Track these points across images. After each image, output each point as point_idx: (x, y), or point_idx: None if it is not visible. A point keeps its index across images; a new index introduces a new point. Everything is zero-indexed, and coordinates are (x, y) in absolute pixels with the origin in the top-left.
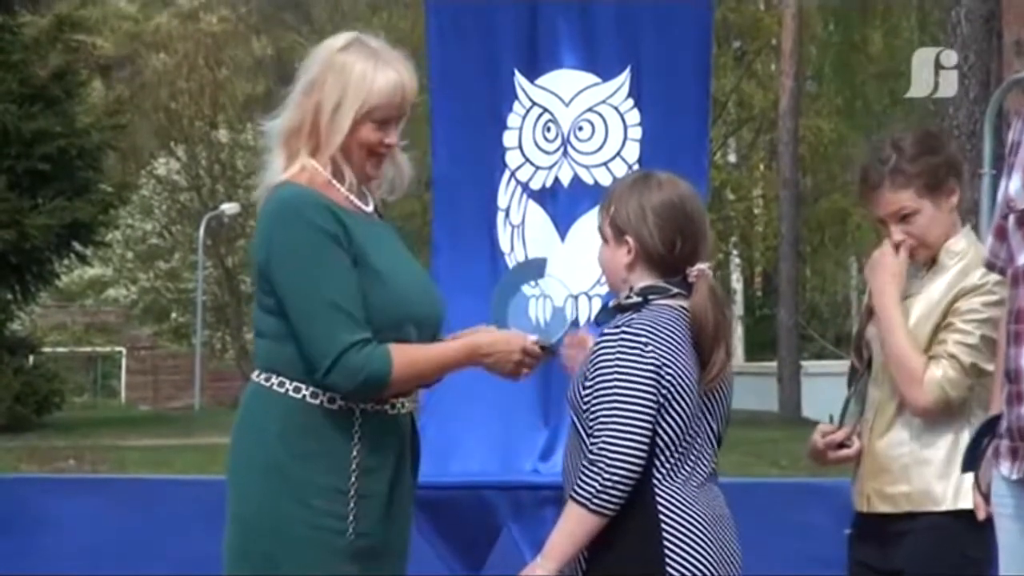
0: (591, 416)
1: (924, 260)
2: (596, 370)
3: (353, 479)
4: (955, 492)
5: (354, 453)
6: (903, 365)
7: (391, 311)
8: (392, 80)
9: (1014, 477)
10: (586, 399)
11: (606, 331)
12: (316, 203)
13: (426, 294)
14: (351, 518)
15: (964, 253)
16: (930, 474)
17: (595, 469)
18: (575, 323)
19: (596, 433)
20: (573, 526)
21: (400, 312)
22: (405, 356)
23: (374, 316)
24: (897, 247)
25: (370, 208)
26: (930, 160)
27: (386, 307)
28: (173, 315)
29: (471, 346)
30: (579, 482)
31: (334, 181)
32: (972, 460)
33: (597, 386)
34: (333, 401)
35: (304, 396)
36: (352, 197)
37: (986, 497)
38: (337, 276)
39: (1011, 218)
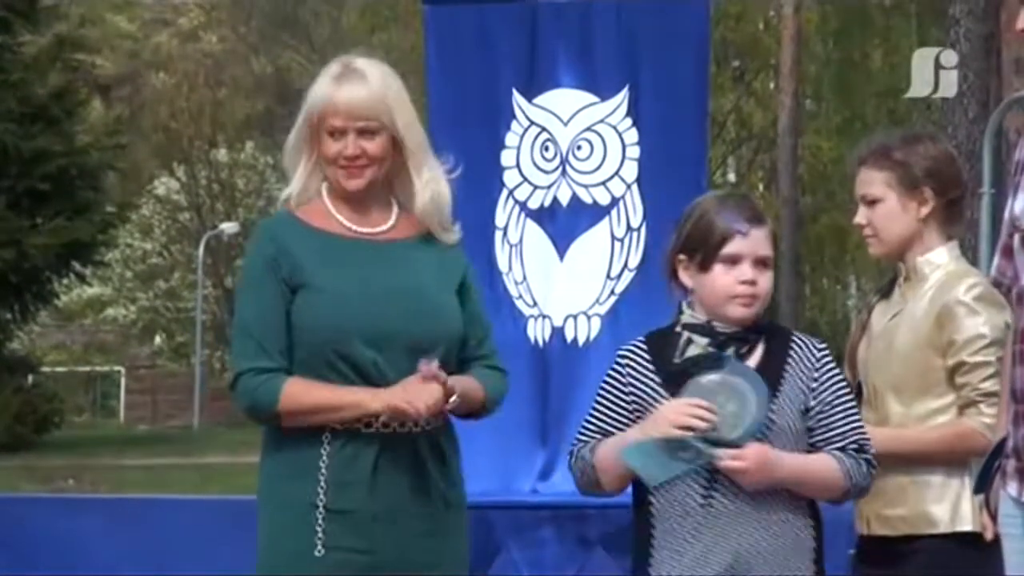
0: (846, 421)
1: (877, 254)
2: (839, 378)
3: (322, 494)
4: (952, 514)
5: (322, 468)
6: (958, 449)
7: (327, 329)
8: (326, 91)
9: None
10: (837, 404)
11: (821, 345)
12: (269, 230)
13: (386, 310)
14: (320, 533)
15: (945, 266)
16: (928, 497)
17: (867, 465)
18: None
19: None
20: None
21: (341, 330)
22: (297, 391)
23: (309, 335)
24: (860, 228)
25: (375, 228)
26: (916, 158)
27: (320, 326)
28: (161, 335)
29: (365, 394)
30: (854, 466)
31: (325, 199)
32: (983, 482)
33: (843, 393)
34: None
35: None
36: (336, 215)
37: (994, 518)
38: (256, 303)
39: (1016, 237)
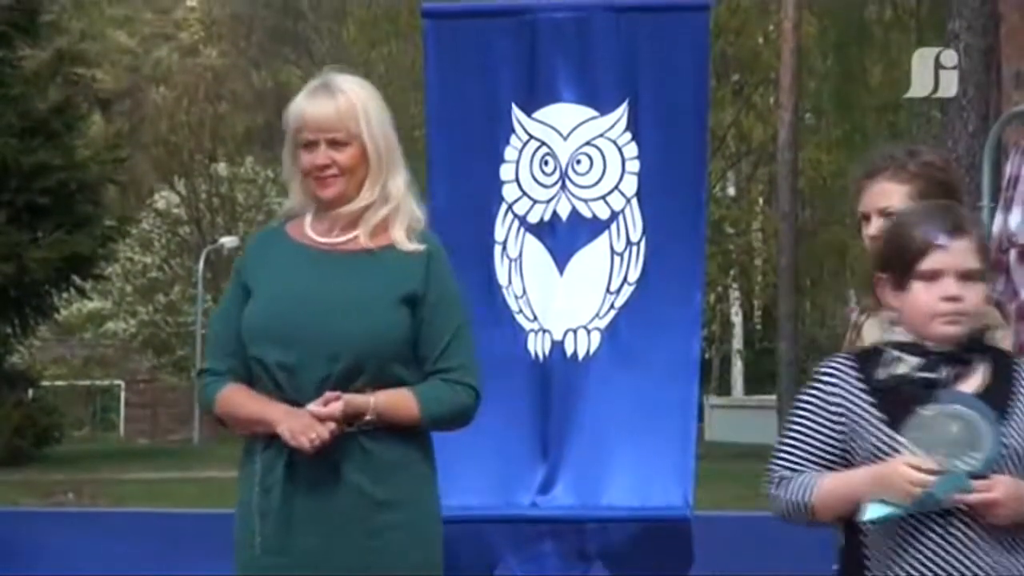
0: None
1: None
2: None
3: (256, 496)
4: None
5: (257, 472)
6: None
7: (248, 330)
8: (298, 104)
9: None
10: None
11: None
12: (249, 241)
13: (300, 317)
14: (257, 533)
15: None
16: None
17: None
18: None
19: None
20: None
21: (256, 331)
22: (228, 397)
23: (244, 338)
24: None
25: (337, 239)
26: (934, 172)
27: (245, 328)
28: (151, 354)
29: (276, 413)
30: None
31: (308, 212)
32: None
33: None
34: None
35: None
36: (307, 227)
37: None
38: (219, 309)
39: (1012, 253)
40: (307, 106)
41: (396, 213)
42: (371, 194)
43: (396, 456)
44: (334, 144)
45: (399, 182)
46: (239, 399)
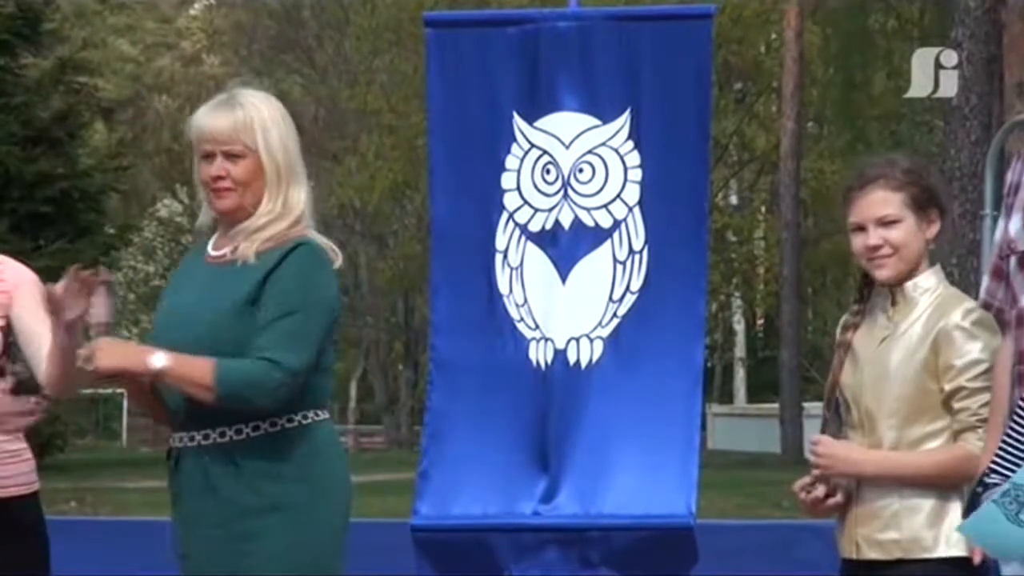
0: None
1: (890, 277)
2: None
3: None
4: (945, 539)
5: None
6: (954, 474)
7: (152, 340)
8: (197, 116)
9: None
10: None
11: None
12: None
13: (177, 326)
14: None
15: (934, 290)
16: (919, 521)
17: None
18: None
19: None
20: None
21: (155, 341)
22: None
23: None
24: (873, 250)
25: (220, 252)
26: (922, 180)
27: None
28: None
29: None
30: None
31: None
32: (974, 506)
33: None
34: None
35: None
36: (211, 241)
37: None
38: None
39: (1012, 260)
40: (205, 118)
41: (296, 228)
42: (270, 209)
43: (259, 464)
44: (230, 156)
45: (301, 196)
46: None
